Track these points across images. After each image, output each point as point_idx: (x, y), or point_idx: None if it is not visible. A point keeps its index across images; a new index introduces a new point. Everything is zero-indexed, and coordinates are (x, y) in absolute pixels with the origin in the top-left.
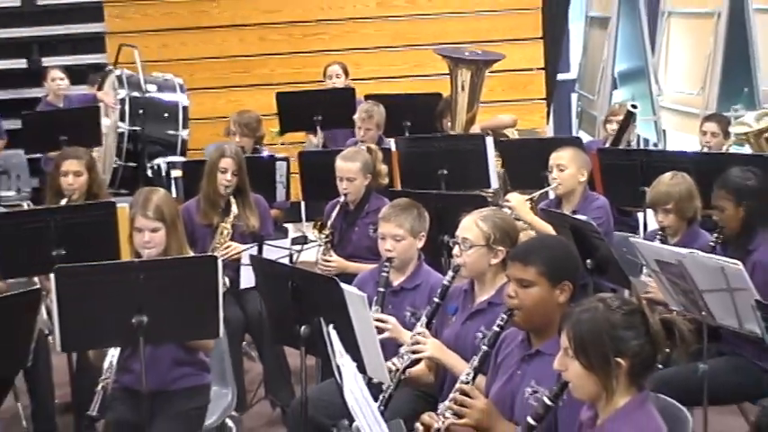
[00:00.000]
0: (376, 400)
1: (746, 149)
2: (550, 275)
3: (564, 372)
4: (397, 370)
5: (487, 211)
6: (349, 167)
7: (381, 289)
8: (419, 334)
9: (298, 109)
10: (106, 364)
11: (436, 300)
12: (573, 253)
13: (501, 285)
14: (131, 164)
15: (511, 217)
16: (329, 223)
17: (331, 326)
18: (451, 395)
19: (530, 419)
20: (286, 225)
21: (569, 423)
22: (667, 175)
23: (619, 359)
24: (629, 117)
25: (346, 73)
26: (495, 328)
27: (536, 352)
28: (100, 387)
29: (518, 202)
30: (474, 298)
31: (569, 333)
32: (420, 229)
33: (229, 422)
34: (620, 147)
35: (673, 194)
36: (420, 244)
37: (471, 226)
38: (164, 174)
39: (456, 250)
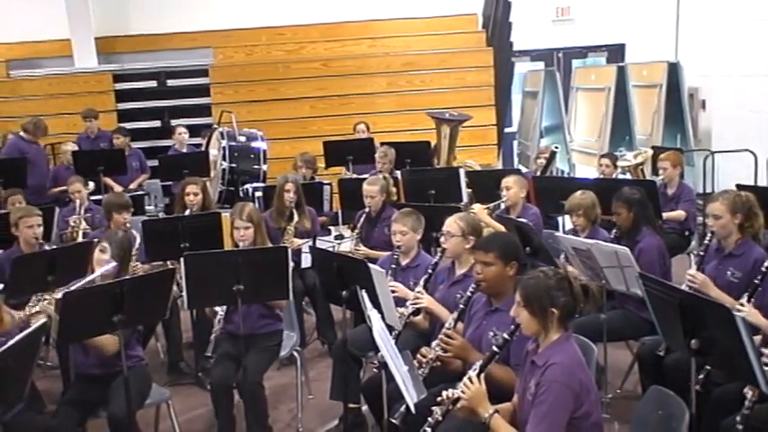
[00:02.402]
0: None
1: (628, 176)
2: (503, 257)
3: (517, 317)
4: (404, 315)
5: (463, 214)
6: (372, 189)
7: (394, 266)
8: (419, 292)
9: (337, 152)
10: (216, 319)
11: (429, 271)
12: (518, 242)
13: (472, 264)
14: (230, 188)
15: (476, 217)
16: (358, 226)
17: (363, 291)
18: (440, 336)
19: (494, 348)
20: (330, 227)
21: (518, 352)
22: (578, 192)
23: (553, 309)
24: (553, 155)
25: (368, 128)
26: (468, 294)
27: (495, 309)
28: (212, 336)
29: (479, 209)
30: (454, 272)
31: (521, 292)
32: (418, 227)
33: (295, 353)
34: (547, 174)
35: (582, 204)
36: (419, 237)
37: (452, 223)
38: (250, 194)
39: (442, 239)
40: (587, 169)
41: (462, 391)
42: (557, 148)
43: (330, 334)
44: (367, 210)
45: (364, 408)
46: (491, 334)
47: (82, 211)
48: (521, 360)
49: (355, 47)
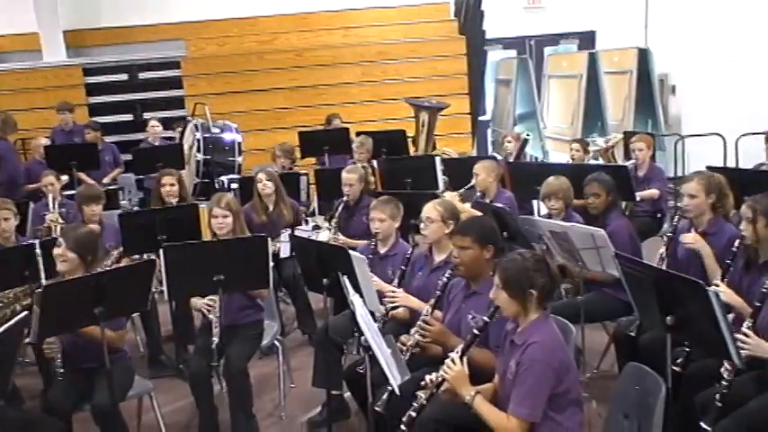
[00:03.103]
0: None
1: (601, 161)
2: (480, 241)
3: (496, 300)
4: (383, 313)
5: (441, 199)
6: (351, 177)
7: (371, 255)
8: (393, 292)
9: (313, 143)
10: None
11: (403, 267)
12: (494, 227)
13: (450, 251)
14: (205, 180)
15: (454, 203)
16: (336, 215)
17: (345, 276)
18: (418, 323)
19: (474, 331)
20: (307, 218)
21: (497, 334)
22: (551, 177)
23: (532, 290)
24: (525, 143)
25: (340, 120)
26: (444, 279)
27: (473, 292)
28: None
29: (451, 196)
30: (433, 259)
31: (500, 275)
32: (397, 215)
33: (276, 342)
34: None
35: (560, 189)
36: (397, 225)
37: (432, 209)
38: (226, 186)
39: (422, 226)
40: (561, 155)
41: (445, 372)
42: (528, 135)
43: (310, 323)
44: (345, 198)
45: (347, 394)
46: (470, 317)
47: (56, 205)
48: (500, 341)
49: (328, 37)
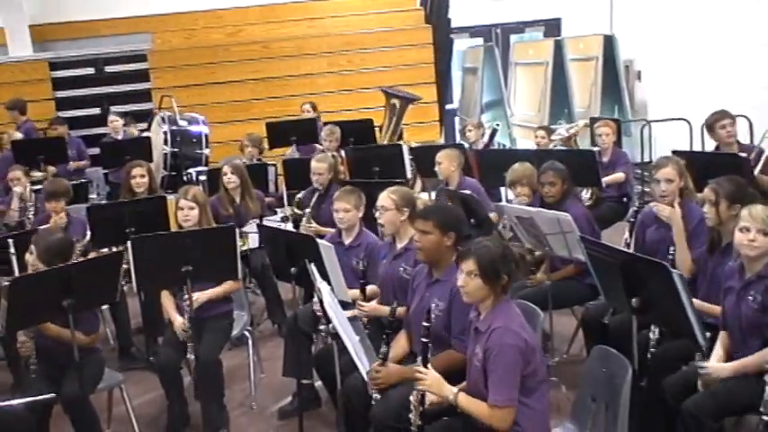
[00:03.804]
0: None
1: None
2: (441, 227)
3: (466, 287)
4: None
5: (395, 187)
6: (320, 166)
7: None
8: (359, 306)
9: (281, 133)
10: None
11: (361, 281)
12: (458, 214)
13: (411, 237)
14: (173, 173)
15: (409, 190)
16: (311, 204)
17: (312, 264)
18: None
19: (422, 339)
20: (276, 209)
21: (460, 320)
22: (516, 164)
23: (504, 276)
24: (494, 132)
25: (314, 109)
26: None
27: (436, 280)
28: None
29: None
30: (396, 246)
31: (476, 261)
32: (360, 204)
33: (246, 333)
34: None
35: (526, 174)
36: (360, 214)
37: (386, 197)
38: (194, 178)
39: (377, 214)
40: (528, 143)
41: (421, 386)
42: (498, 125)
43: (279, 313)
44: (318, 187)
45: (317, 383)
46: (433, 305)
47: (19, 200)
48: (464, 327)
49: (294, 28)
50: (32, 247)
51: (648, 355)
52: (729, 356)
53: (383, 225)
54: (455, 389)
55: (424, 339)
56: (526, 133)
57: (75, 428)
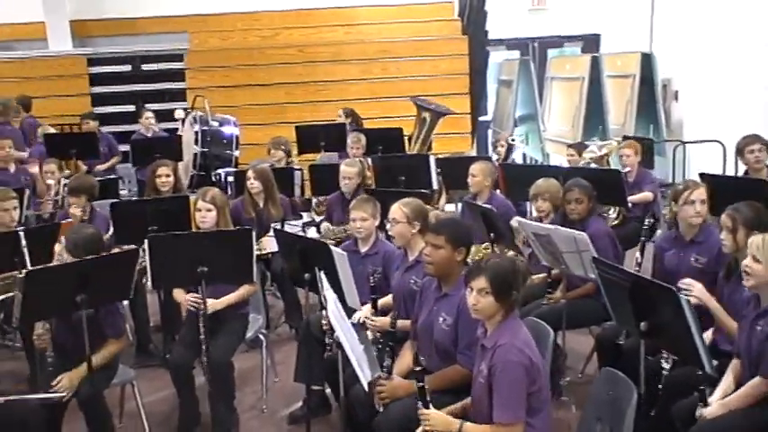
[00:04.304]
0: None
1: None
2: (453, 242)
3: (478, 304)
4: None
5: (407, 200)
6: (351, 170)
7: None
8: (367, 317)
9: (310, 138)
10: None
11: (372, 296)
12: (468, 229)
13: (421, 249)
14: (202, 173)
15: (421, 203)
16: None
17: (322, 272)
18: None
19: (417, 384)
20: (302, 213)
21: (467, 333)
22: (540, 179)
23: (515, 292)
24: (510, 147)
25: (349, 115)
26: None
27: (444, 294)
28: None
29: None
30: (408, 258)
31: (489, 279)
32: (376, 213)
33: (260, 336)
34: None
35: (548, 189)
36: (377, 223)
37: (397, 210)
38: (223, 179)
39: (388, 226)
40: (562, 158)
41: (426, 428)
42: (513, 140)
43: (297, 318)
44: (346, 191)
45: (328, 390)
46: (440, 320)
47: (52, 193)
48: (470, 341)
49: (331, 33)
50: (62, 237)
51: (660, 382)
52: (739, 385)
53: (394, 237)
54: (457, 423)
55: (419, 384)
56: (559, 148)
57: (88, 424)
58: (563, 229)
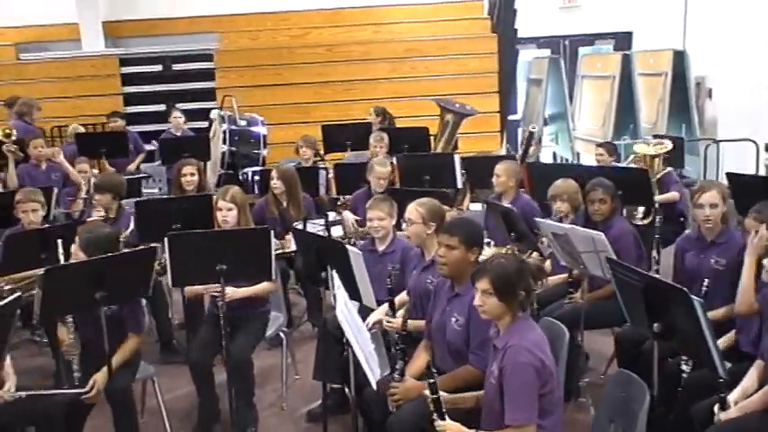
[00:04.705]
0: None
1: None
2: (466, 242)
3: (483, 306)
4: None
5: (424, 200)
6: (385, 170)
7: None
8: (388, 322)
9: (336, 137)
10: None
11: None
12: (481, 230)
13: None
14: (230, 171)
15: (437, 203)
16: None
17: (333, 270)
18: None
19: (428, 395)
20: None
21: (478, 333)
22: (559, 180)
23: (521, 291)
24: (531, 136)
25: (379, 114)
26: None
27: (456, 294)
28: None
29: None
30: (424, 258)
31: (491, 280)
32: (393, 212)
33: (281, 334)
34: (528, 160)
35: (567, 190)
36: (394, 222)
37: (413, 210)
38: (250, 178)
39: (404, 226)
40: (591, 158)
41: None
42: (534, 128)
43: (319, 316)
44: (379, 191)
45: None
46: (453, 320)
47: (82, 192)
48: (482, 341)
49: (359, 32)
50: (77, 237)
51: (680, 384)
52: (761, 386)
53: (409, 237)
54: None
55: (432, 395)
56: (589, 147)
57: (115, 417)
58: (580, 228)
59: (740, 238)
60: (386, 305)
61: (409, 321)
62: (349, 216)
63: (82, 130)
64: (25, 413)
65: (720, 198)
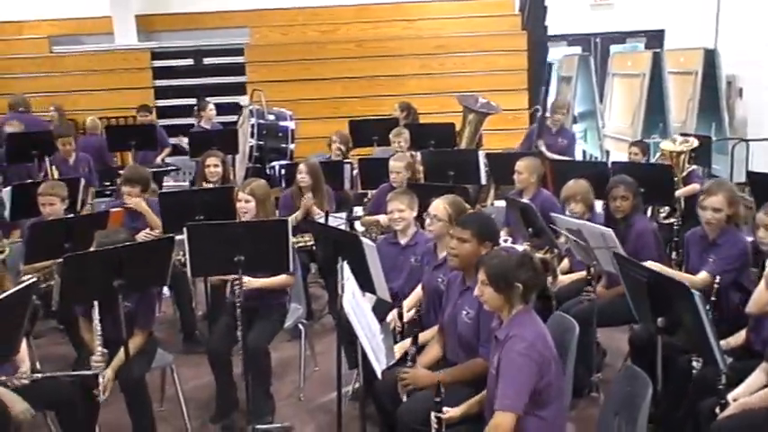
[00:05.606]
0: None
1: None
2: (479, 236)
3: (481, 296)
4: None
5: (450, 197)
6: (398, 165)
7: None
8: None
9: (363, 132)
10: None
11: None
12: (494, 224)
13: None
14: (258, 165)
15: (462, 201)
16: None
17: (345, 262)
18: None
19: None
20: (353, 207)
21: (488, 328)
22: (570, 181)
23: (517, 284)
24: (536, 112)
25: (404, 110)
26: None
27: (467, 288)
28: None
29: None
30: (437, 256)
31: (485, 271)
32: (413, 204)
33: (300, 326)
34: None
35: (579, 191)
36: (414, 214)
37: (440, 207)
38: (277, 172)
39: (428, 222)
40: (621, 155)
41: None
42: (538, 108)
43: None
44: (396, 185)
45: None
46: (464, 313)
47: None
48: (491, 334)
49: (389, 28)
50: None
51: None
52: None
53: (431, 232)
54: None
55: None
56: (618, 145)
57: (129, 407)
58: (591, 224)
59: (742, 241)
60: (409, 340)
61: (420, 335)
62: (369, 218)
63: (99, 123)
64: (44, 397)
65: (726, 203)
